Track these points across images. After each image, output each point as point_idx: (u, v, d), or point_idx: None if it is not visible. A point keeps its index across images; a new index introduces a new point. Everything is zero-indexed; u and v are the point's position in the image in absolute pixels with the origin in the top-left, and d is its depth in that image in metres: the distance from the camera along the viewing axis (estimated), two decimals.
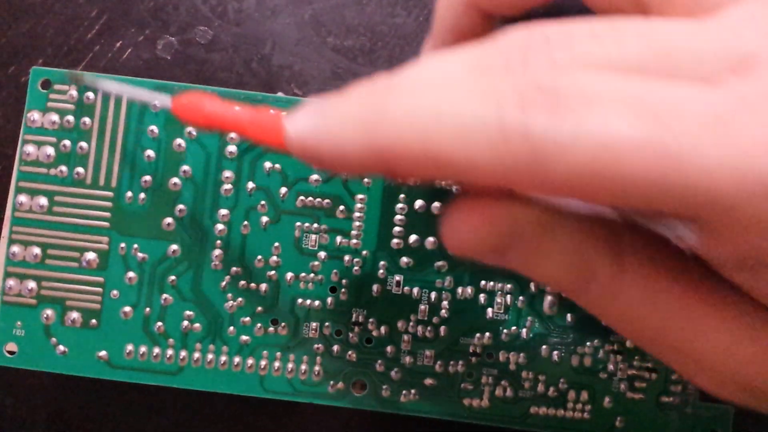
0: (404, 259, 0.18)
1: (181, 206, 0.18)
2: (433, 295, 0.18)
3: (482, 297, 0.18)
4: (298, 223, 0.18)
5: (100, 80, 0.18)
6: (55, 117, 0.18)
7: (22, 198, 0.18)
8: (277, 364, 0.18)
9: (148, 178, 0.18)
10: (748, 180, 0.09)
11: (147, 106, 0.18)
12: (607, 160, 0.09)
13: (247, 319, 0.18)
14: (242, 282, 0.18)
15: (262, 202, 0.18)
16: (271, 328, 0.18)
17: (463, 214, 0.11)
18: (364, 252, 0.18)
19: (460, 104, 0.10)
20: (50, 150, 0.18)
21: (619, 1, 0.12)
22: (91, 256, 0.18)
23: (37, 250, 0.18)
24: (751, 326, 0.11)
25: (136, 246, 0.18)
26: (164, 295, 0.18)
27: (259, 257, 0.18)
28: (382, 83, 0.11)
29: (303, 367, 0.18)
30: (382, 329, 0.18)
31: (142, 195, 0.18)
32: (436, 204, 0.18)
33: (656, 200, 0.09)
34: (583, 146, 0.09)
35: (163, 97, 0.16)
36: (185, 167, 0.18)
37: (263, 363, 0.18)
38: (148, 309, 0.18)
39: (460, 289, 0.18)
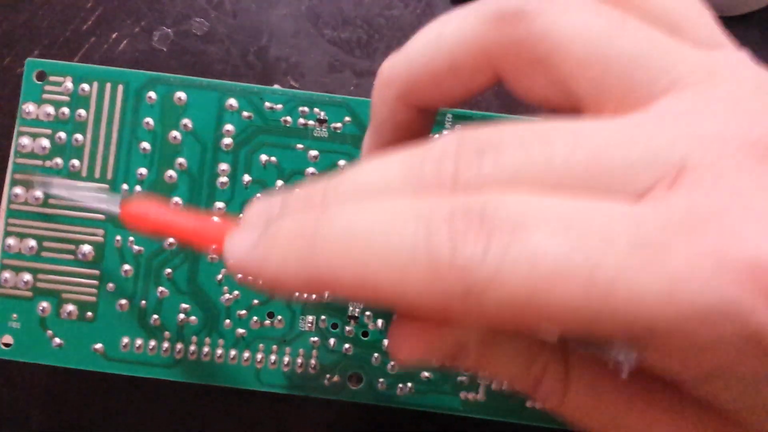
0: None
1: (176, 199, 0.18)
2: None
3: None
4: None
5: (53, 185, 0.18)
6: (50, 109, 0.18)
7: (18, 190, 0.18)
8: (273, 357, 0.18)
9: (143, 170, 0.18)
10: (682, 308, 0.09)
11: (97, 211, 0.18)
12: (538, 292, 0.09)
13: (243, 312, 0.18)
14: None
15: (258, 195, 0.18)
16: (267, 321, 0.18)
17: (405, 336, 0.11)
18: None
19: (392, 230, 0.09)
20: (45, 142, 0.18)
21: (552, 96, 0.12)
22: (86, 248, 0.18)
23: (32, 243, 0.18)
24: None
25: (131, 239, 0.18)
26: (160, 288, 0.18)
27: None
28: (318, 196, 0.11)
29: (299, 360, 0.18)
30: (378, 322, 0.18)
31: (138, 187, 0.18)
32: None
33: (591, 329, 0.09)
34: (512, 279, 0.09)
35: (112, 205, 0.16)
36: (181, 160, 0.18)
37: (259, 356, 0.18)
38: (144, 302, 0.18)
39: None
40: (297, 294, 0.11)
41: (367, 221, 0.10)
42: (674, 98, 0.10)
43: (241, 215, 0.14)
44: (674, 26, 0.11)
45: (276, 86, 0.19)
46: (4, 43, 0.22)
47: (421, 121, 0.14)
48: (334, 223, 0.10)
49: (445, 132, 0.19)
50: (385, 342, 0.18)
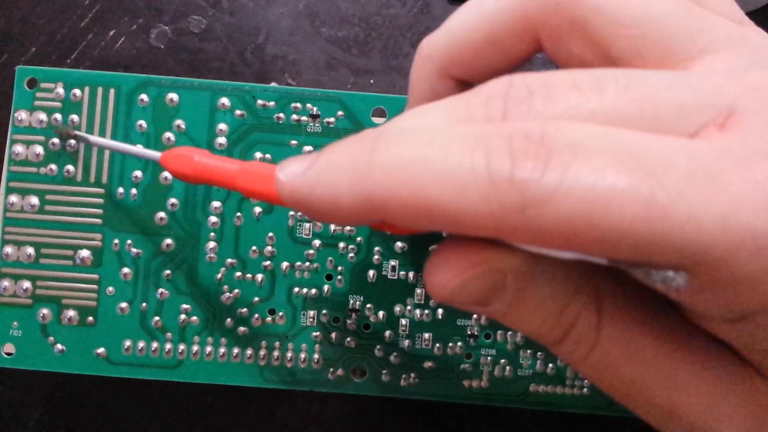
0: (399, 244, 0.18)
1: (173, 200, 0.18)
2: None
3: None
4: (291, 213, 0.18)
5: (90, 136, 0.18)
6: (42, 115, 0.18)
7: (13, 198, 0.18)
8: (276, 353, 0.18)
9: (138, 173, 0.18)
10: (737, 233, 0.09)
11: (135, 157, 0.18)
12: (596, 211, 0.09)
13: (244, 310, 0.18)
14: (238, 273, 0.18)
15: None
16: (269, 318, 0.18)
17: (446, 265, 0.11)
18: (359, 239, 0.18)
19: (448, 152, 0.10)
20: (39, 149, 0.18)
21: (590, 59, 0.12)
22: (85, 253, 0.18)
23: (30, 250, 0.18)
24: (731, 384, 0.11)
25: (129, 242, 0.18)
26: (160, 290, 0.18)
27: (254, 248, 0.18)
28: (370, 134, 0.11)
29: (302, 355, 0.18)
30: (380, 314, 0.19)
31: (134, 190, 0.18)
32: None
33: (645, 251, 0.09)
34: (572, 196, 0.09)
35: (152, 151, 0.16)
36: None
37: (262, 353, 0.18)
38: (144, 304, 0.18)
39: None
40: (347, 221, 0.11)
41: (423, 145, 0.10)
42: (713, 57, 0.11)
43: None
44: (702, 2, 0.12)
45: (273, 84, 0.19)
46: (1, 41, 0.22)
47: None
48: (389, 149, 0.10)
49: None
50: (388, 334, 0.18)
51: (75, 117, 0.18)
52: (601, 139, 0.09)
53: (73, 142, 0.18)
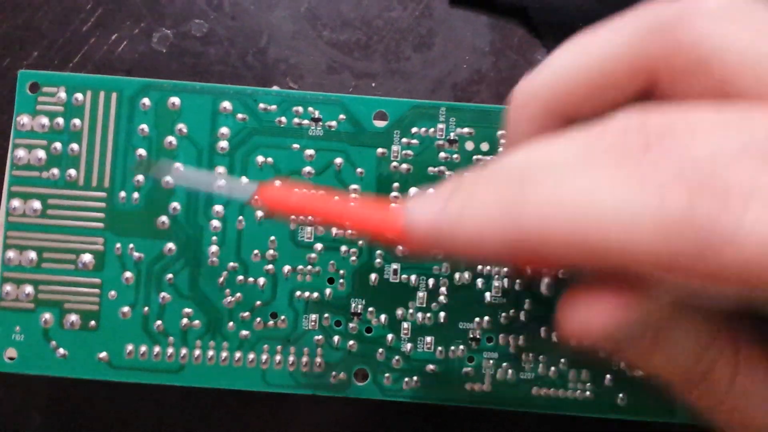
0: (400, 248, 0.18)
1: (175, 204, 0.18)
2: (430, 281, 0.18)
3: (480, 281, 0.18)
4: (293, 216, 0.18)
5: (176, 170, 0.18)
6: (44, 120, 0.18)
7: (16, 203, 0.18)
8: (278, 357, 0.18)
9: (140, 177, 0.18)
10: None
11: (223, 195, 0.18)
12: None
13: (246, 314, 0.18)
14: (240, 277, 0.18)
15: (256, 197, 0.18)
16: (271, 322, 0.18)
17: (588, 305, 0.11)
18: (360, 242, 0.18)
19: (613, 188, 0.10)
20: (41, 153, 0.18)
21: (707, 93, 0.12)
22: (87, 257, 0.18)
23: (32, 254, 0.18)
24: None
25: (131, 246, 0.18)
26: (162, 294, 0.18)
27: (256, 251, 0.18)
28: (512, 169, 0.11)
29: (304, 359, 0.18)
30: (382, 318, 0.18)
31: (136, 194, 0.18)
32: (430, 191, 0.18)
33: None
34: (754, 237, 0.09)
35: (247, 187, 0.16)
36: (177, 164, 0.18)
37: (264, 357, 0.18)
38: (146, 308, 0.18)
39: (457, 275, 0.18)
40: (490, 258, 0.11)
41: (581, 180, 0.10)
42: None
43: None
44: None
45: (275, 87, 0.19)
46: (4, 45, 0.22)
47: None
48: (542, 184, 0.10)
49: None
50: (389, 337, 0.18)
51: (77, 121, 0.18)
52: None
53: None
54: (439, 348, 0.18)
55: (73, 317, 0.18)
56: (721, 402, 0.11)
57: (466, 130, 0.19)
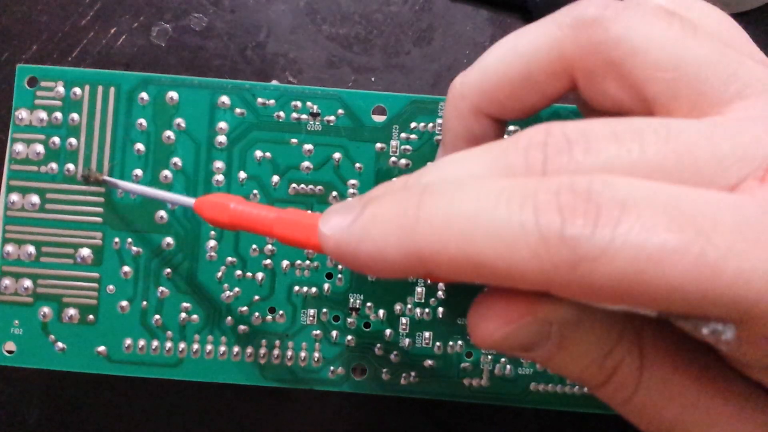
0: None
1: None
2: None
3: None
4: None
5: (119, 181, 0.18)
6: (43, 114, 0.18)
7: (14, 197, 0.18)
8: (276, 352, 0.18)
9: (138, 171, 0.18)
10: None
11: (166, 203, 0.18)
12: (648, 269, 0.09)
13: (245, 308, 0.18)
14: (238, 272, 0.18)
15: (255, 191, 0.18)
16: (269, 317, 0.18)
17: (492, 315, 0.11)
18: None
19: (496, 208, 0.10)
20: (40, 147, 0.18)
21: (624, 100, 0.12)
22: (85, 252, 0.18)
23: (31, 249, 0.18)
24: (766, 426, 0.11)
25: (130, 240, 0.18)
26: (160, 288, 0.18)
27: (254, 246, 0.18)
28: (415, 186, 0.11)
29: (302, 354, 0.18)
30: (380, 313, 0.18)
31: None
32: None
33: (695, 306, 0.09)
34: (623, 254, 0.09)
35: (185, 198, 0.16)
36: (175, 159, 0.18)
37: (262, 351, 0.18)
38: (144, 302, 0.18)
39: None
40: (394, 274, 0.11)
41: (469, 200, 0.10)
42: (746, 104, 0.11)
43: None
44: (727, 44, 0.12)
45: (274, 82, 0.19)
46: (2, 39, 0.22)
47: (495, 133, 0.15)
48: (436, 204, 0.10)
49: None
50: (388, 332, 0.18)
51: (75, 116, 0.18)
52: (648, 195, 0.10)
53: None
54: (438, 343, 0.18)
55: (72, 311, 0.18)
56: (629, 399, 0.11)
57: None
